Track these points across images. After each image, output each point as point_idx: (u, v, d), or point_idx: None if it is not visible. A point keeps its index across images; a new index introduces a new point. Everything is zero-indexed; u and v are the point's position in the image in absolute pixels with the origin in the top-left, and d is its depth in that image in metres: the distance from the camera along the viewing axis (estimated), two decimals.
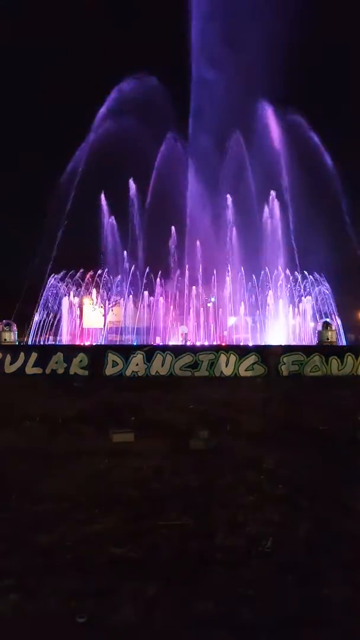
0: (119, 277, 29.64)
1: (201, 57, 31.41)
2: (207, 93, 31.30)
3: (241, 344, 25.12)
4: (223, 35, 31.41)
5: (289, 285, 27.79)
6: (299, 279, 27.82)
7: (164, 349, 19.36)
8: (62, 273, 28.64)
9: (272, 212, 29.19)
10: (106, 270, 30.14)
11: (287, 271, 28.22)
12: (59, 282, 28.39)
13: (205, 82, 31.35)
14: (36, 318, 26.98)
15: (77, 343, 26.56)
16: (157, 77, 29.28)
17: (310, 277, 27.93)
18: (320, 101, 51.70)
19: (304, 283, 27.91)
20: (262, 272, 27.79)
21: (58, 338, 28.27)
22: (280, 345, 21.81)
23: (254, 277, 27.92)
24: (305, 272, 28.14)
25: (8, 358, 18.68)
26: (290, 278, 27.90)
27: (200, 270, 29.20)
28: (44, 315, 27.30)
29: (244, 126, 30.26)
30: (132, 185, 30.70)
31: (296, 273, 28.00)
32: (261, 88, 31.06)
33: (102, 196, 30.14)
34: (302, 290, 27.87)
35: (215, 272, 28.81)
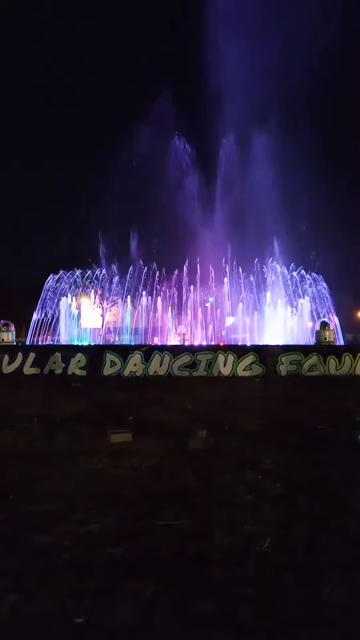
0: (117, 278, 29.70)
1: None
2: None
3: (239, 343, 25.14)
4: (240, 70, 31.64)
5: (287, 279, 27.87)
6: (297, 279, 27.86)
7: (162, 349, 19.38)
8: (60, 273, 28.64)
9: (271, 216, 29.29)
10: (105, 270, 30.18)
11: (285, 269, 28.29)
12: (57, 283, 28.40)
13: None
14: (34, 317, 26.97)
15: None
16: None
17: (308, 276, 27.99)
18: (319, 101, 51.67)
19: (302, 284, 27.96)
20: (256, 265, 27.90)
21: (56, 338, 28.26)
22: (278, 345, 21.85)
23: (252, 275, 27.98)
24: (304, 272, 28.19)
25: (6, 358, 18.69)
26: (293, 275, 27.96)
27: (199, 270, 29.25)
28: (42, 315, 27.31)
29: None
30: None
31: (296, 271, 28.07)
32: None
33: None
34: (299, 290, 27.91)
35: (212, 271, 28.89)
